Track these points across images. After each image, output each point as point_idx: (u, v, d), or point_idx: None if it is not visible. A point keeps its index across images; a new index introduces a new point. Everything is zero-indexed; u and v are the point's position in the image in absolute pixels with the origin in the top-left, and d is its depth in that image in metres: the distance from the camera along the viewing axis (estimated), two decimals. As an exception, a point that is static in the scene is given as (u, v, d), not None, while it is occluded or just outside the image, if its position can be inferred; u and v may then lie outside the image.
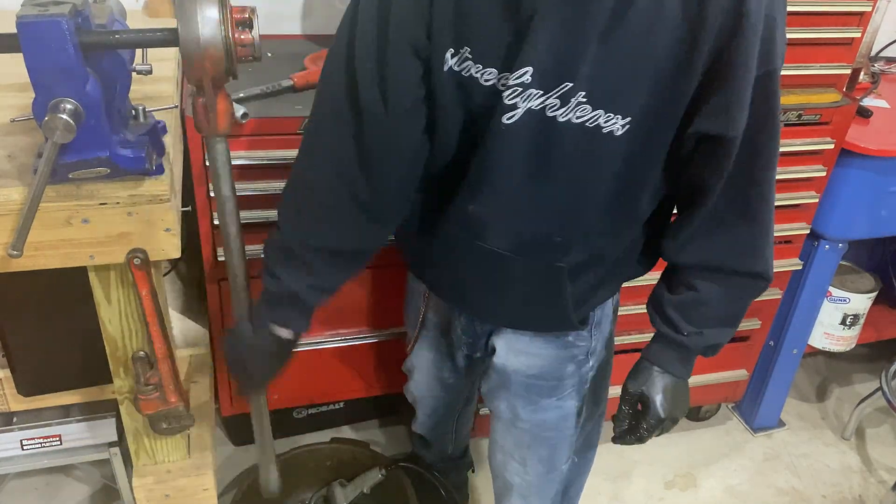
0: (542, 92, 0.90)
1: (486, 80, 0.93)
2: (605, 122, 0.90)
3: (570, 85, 0.88)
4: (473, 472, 1.91)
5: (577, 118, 0.90)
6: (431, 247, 1.14)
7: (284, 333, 1.12)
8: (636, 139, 0.92)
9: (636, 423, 1.14)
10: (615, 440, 1.18)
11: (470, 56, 0.92)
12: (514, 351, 1.22)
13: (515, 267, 1.06)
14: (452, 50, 0.92)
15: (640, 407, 1.14)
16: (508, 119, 0.92)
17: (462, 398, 1.59)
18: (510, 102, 0.91)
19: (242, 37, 0.88)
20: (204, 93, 0.90)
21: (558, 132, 0.92)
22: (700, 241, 1.04)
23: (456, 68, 0.93)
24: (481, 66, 0.92)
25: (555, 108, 0.90)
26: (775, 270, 1.79)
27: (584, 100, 0.89)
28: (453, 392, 1.52)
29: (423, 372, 1.50)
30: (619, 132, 0.91)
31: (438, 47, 0.93)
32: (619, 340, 1.81)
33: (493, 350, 1.24)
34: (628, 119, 0.90)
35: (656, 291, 1.13)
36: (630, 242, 1.11)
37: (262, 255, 1.10)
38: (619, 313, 1.72)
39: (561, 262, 1.04)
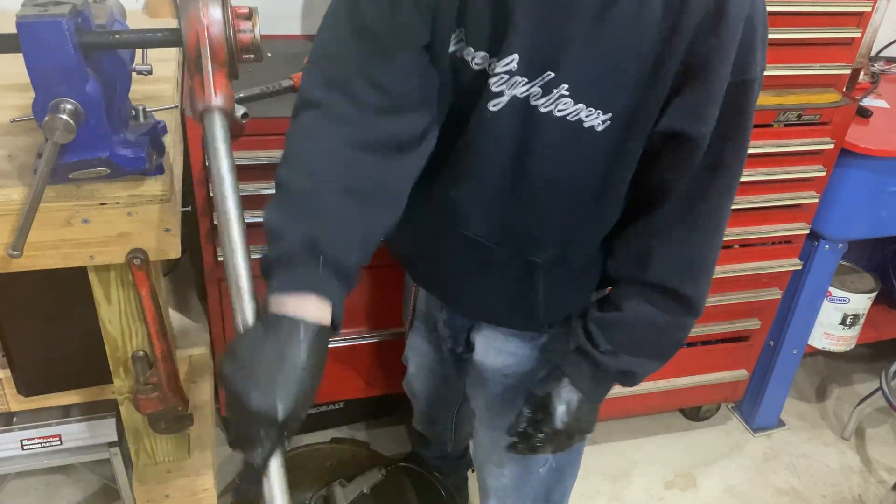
0: (526, 80, 0.90)
1: (477, 65, 0.93)
2: (587, 116, 0.90)
3: (553, 75, 0.89)
4: (473, 472, 1.91)
5: (559, 111, 0.91)
6: (414, 235, 1.13)
7: (312, 311, 0.80)
8: (616, 136, 0.91)
9: (532, 431, 1.10)
10: (508, 448, 1.12)
11: (464, 38, 0.92)
12: (492, 349, 1.21)
13: (492, 257, 1.06)
14: (455, 32, 0.92)
15: (541, 415, 1.09)
16: (494, 106, 0.92)
17: (457, 392, 1.58)
18: (497, 90, 0.91)
19: (243, 36, 0.88)
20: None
21: (540, 123, 0.92)
22: (637, 251, 1.01)
23: (452, 48, 0.94)
24: (472, 50, 0.92)
25: (537, 96, 0.91)
26: (775, 270, 1.84)
27: (567, 93, 0.90)
28: (446, 385, 1.51)
29: (416, 363, 1.51)
30: (600, 128, 0.91)
31: (443, 27, 0.92)
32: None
33: (473, 347, 1.24)
34: (609, 115, 0.90)
35: (588, 308, 1.10)
36: (598, 248, 1.08)
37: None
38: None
39: (536, 257, 1.04)
